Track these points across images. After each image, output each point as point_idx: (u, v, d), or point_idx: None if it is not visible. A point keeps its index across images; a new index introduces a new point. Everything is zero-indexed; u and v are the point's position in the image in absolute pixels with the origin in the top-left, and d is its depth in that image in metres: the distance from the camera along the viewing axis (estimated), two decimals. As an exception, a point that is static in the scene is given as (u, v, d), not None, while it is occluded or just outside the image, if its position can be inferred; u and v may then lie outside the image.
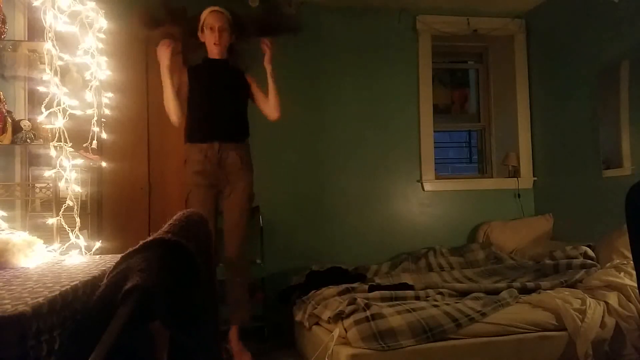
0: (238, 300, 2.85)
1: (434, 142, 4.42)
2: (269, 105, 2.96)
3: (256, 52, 2.99)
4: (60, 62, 1.75)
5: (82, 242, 1.80)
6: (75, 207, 1.84)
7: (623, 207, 1.40)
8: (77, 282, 0.99)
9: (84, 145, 2.22)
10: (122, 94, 2.79)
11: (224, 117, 2.87)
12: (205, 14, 2.88)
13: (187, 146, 2.90)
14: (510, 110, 4.58)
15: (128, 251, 0.95)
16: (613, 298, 2.63)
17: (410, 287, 2.99)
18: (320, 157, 4.18)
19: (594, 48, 3.69)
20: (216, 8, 2.88)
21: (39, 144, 1.97)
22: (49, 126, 1.74)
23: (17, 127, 1.95)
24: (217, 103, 2.87)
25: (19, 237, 1.31)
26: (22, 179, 2.28)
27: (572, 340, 2.46)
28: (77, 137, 2.04)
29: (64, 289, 0.91)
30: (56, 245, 1.68)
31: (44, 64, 1.74)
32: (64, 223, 1.77)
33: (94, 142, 2.27)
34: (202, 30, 2.90)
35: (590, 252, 3.30)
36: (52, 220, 1.76)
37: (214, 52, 2.90)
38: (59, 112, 1.72)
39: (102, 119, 2.45)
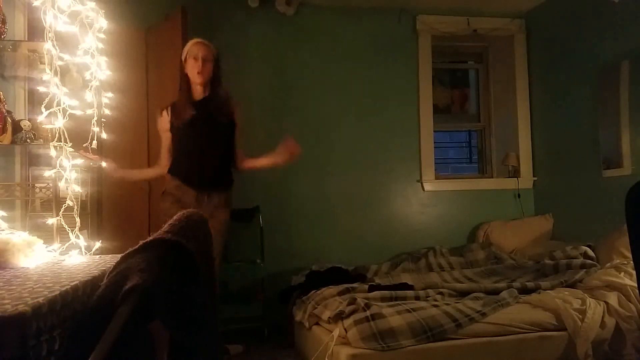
0: None
1: (434, 142, 4.42)
2: (243, 162, 2.88)
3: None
4: (60, 62, 1.75)
5: (82, 242, 1.80)
6: (75, 207, 1.84)
7: (623, 207, 1.40)
8: (77, 282, 0.99)
9: (84, 145, 2.22)
10: (122, 94, 2.79)
11: (206, 169, 2.74)
12: (189, 45, 2.79)
13: (169, 177, 2.79)
14: (510, 110, 4.58)
15: (128, 251, 0.95)
16: (613, 298, 2.64)
17: (410, 287, 2.99)
18: (320, 157, 4.18)
19: (594, 48, 3.69)
20: (200, 40, 2.79)
21: (39, 144, 1.96)
22: (49, 126, 1.74)
23: (17, 127, 1.95)
24: (199, 152, 2.75)
25: (19, 237, 1.31)
26: (22, 179, 2.28)
27: (572, 340, 2.46)
28: (77, 137, 2.04)
29: (64, 289, 0.91)
30: (56, 245, 1.68)
31: (44, 64, 1.74)
32: (64, 223, 1.77)
33: (94, 142, 2.27)
34: (186, 61, 2.77)
35: (590, 252, 3.30)
36: (52, 220, 1.76)
37: (196, 81, 2.76)
38: (59, 112, 1.72)
39: (102, 119, 2.45)
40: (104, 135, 2.44)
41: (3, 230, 1.53)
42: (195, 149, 2.76)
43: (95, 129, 2.29)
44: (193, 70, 2.75)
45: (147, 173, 2.97)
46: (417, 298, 2.79)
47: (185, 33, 3.32)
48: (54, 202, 1.81)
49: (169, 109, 2.81)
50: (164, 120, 2.82)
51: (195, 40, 2.81)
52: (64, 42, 1.85)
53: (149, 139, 3.59)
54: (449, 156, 5.41)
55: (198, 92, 2.81)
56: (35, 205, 2.19)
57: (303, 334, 3.00)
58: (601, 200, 3.59)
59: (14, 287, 0.94)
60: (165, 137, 2.84)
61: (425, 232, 4.28)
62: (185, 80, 2.81)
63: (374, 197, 4.25)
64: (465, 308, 2.53)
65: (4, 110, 1.90)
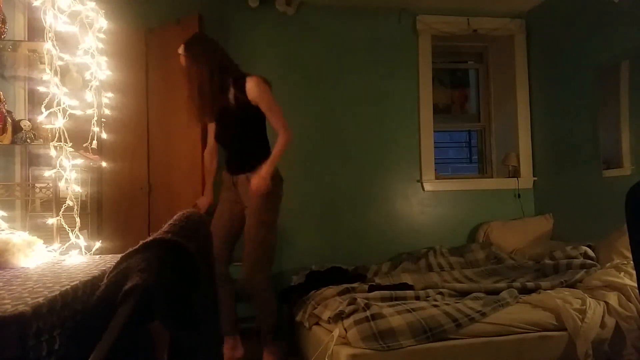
0: (264, 333, 2.81)
1: (434, 142, 4.42)
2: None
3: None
4: (60, 62, 1.75)
5: (82, 242, 1.80)
6: (75, 207, 1.84)
7: (623, 207, 1.40)
8: (77, 282, 0.99)
9: (84, 145, 2.22)
10: (122, 94, 2.79)
11: (233, 153, 2.86)
12: None
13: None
14: (510, 110, 4.58)
15: (128, 251, 0.95)
16: (613, 298, 2.63)
17: (410, 287, 2.99)
18: (320, 157, 4.18)
19: (594, 48, 3.69)
20: (179, 51, 2.73)
21: (39, 144, 1.96)
22: (49, 126, 1.74)
23: (17, 127, 1.95)
24: (224, 140, 2.88)
25: (19, 237, 1.31)
26: (22, 179, 2.28)
27: (572, 340, 2.46)
28: (77, 137, 2.04)
29: (64, 289, 0.91)
30: (56, 245, 1.68)
31: (44, 64, 1.74)
32: (64, 223, 1.77)
33: (94, 142, 2.27)
34: None
35: (590, 252, 3.30)
36: (52, 220, 1.76)
37: None
38: (59, 112, 1.72)
39: (102, 119, 2.45)
40: (104, 135, 2.44)
41: (3, 230, 1.53)
42: (223, 140, 2.89)
43: (95, 129, 2.29)
44: None
45: (208, 173, 3.07)
46: (417, 298, 2.79)
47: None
48: (54, 202, 1.81)
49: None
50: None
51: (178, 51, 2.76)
52: (64, 42, 1.85)
53: (148, 138, 3.59)
54: (449, 156, 5.41)
55: None
56: (35, 205, 2.19)
57: (303, 334, 3.00)
58: (601, 200, 3.59)
59: (14, 287, 0.94)
60: (213, 125, 2.95)
61: (425, 232, 4.28)
62: None
63: (374, 197, 4.25)
64: (465, 308, 2.53)
65: (4, 110, 1.90)
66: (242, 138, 2.81)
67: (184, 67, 2.72)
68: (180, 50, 2.72)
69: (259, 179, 2.65)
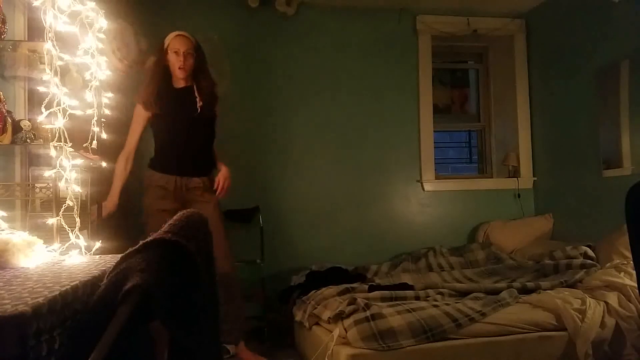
0: (233, 317, 2.83)
1: (434, 142, 4.42)
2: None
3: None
4: (60, 62, 1.75)
5: (82, 242, 1.79)
6: (75, 207, 1.84)
7: (623, 207, 1.40)
8: (77, 282, 0.99)
9: (84, 145, 2.22)
10: (122, 94, 2.79)
11: (186, 154, 2.83)
12: (170, 38, 2.81)
13: (149, 172, 2.86)
14: (510, 110, 4.58)
15: (128, 251, 0.95)
16: (613, 298, 2.64)
17: (410, 287, 2.99)
18: (320, 157, 4.18)
19: (594, 48, 3.69)
20: (182, 33, 2.81)
21: (39, 144, 1.96)
22: (49, 126, 1.74)
23: (17, 127, 1.94)
24: (178, 138, 2.83)
25: (19, 237, 1.31)
26: (22, 179, 2.28)
27: (572, 340, 2.46)
28: (77, 137, 2.03)
29: (64, 289, 0.91)
30: (56, 245, 1.68)
31: (44, 64, 1.73)
32: (64, 223, 1.77)
33: (94, 142, 2.27)
34: (167, 53, 2.81)
35: (590, 252, 3.30)
36: (52, 220, 1.76)
37: (178, 76, 2.83)
38: (59, 112, 1.72)
39: (102, 119, 2.44)
40: (104, 135, 2.44)
41: (3, 230, 1.53)
42: (175, 137, 2.84)
43: (95, 129, 2.28)
44: (175, 64, 2.81)
45: (119, 177, 2.90)
46: (417, 298, 2.79)
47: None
48: (54, 202, 1.81)
49: (152, 96, 2.84)
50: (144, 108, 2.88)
51: (176, 33, 2.82)
52: (64, 42, 1.85)
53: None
54: (449, 156, 5.41)
55: (179, 82, 2.87)
56: (35, 205, 2.18)
57: (303, 334, 3.00)
58: (601, 200, 3.59)
59: (14, 287, 0.94)
60: (140, 127, 2.90)
61: (425, 232, 4.28)
62: (165, 69, 2.85)
63: (374, 197, 4.24)
64: (465, 308, 2.53)
65: (4, 110, 1.90)
66: (204, 142, 2.89)
67: (177, 49, 2.78)
68: (186, 34, 2.81)
69: (227, 176, 2.85)
